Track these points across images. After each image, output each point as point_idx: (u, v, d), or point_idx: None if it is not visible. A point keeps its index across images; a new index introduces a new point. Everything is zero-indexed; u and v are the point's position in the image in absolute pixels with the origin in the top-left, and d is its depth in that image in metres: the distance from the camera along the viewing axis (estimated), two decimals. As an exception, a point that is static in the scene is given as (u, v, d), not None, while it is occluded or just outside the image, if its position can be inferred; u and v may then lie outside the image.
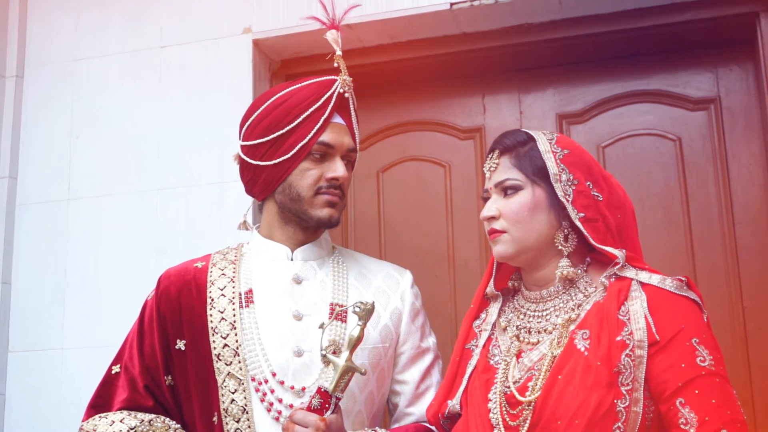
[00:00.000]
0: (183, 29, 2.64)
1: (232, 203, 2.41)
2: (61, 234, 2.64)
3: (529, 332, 1.55)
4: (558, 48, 2.54)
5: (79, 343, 2.56)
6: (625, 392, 1.39)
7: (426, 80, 2.71)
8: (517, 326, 1.58)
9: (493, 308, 1.66)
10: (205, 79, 2.59)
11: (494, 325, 1.63)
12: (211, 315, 1.71)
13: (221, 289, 1.74)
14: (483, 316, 1.68)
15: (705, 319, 1.46)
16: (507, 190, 1.56)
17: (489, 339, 1.62)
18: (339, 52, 1.79)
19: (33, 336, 2.60)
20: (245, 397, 1.64)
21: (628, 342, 1.41)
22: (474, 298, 1.69)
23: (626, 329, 1.43)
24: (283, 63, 2.67)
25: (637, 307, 1.45)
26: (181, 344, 1.70)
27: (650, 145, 2.51)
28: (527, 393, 1.46)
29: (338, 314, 1.70)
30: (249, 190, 1.84)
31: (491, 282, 1.66)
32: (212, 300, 1.73)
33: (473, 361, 1.60)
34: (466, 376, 1.59)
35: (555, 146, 1.56)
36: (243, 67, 2.56)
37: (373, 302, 1.56)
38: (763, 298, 2.36)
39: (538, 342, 1.52)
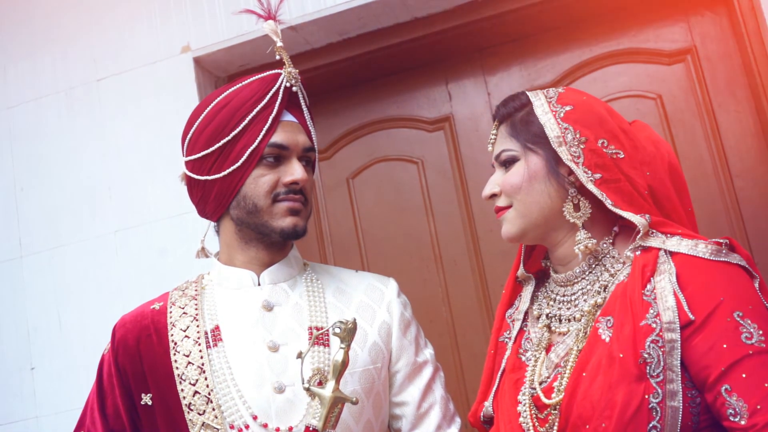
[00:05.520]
0: (117, 58, 2.45)
1: (197, 233, 2.19)
2: (18, 294, 2.42)
3: (560, 321, 1.36)
4: (518, 20, 2.36)
5: (53, 409, 2.33)
6: (656, 385, 1.17)
7: (384, 75, 2.54)
8: (547, 314, 1.39)
9: (526, 293, 1.48)
10: (148, 107, 2.40)
11: (527, 313, 1.46)
12: (175, 361, 1.50)
13: (184, 330, 1.53)
14: (516, 303, 1.50)
15: (755, 286, 1.22)
16: (505, 162, 1.40)
17: (521, 331, 1.44)
18: (280, 44, 1.56)
19: (2, 408, 2.37)
20: None
21: (654, 326, 1.19)
22: (506, 283, 1.53)
23: (652, 311, 1.20)
24: (229, 78, 2.49)
25: (665, 282, 1.22)
26: (146, 398, 1.49)
27: (630, 107, 2.30)
28: (553, 394, 1.27)
29: (317, 339, 1.48)
30: (201, 211, 1.61)
31: (522, 264, 1.49)
32: (175, 344, 1.51)
33: (506, 357, 1.44)
34: (499, 374, 1.43)
35: (555, 105, 1.37)
36: (187, 88, 2.37)
37: (354, 319, 1.34)
38: (774, 251, 2.15)
39: (567, 332, 1.34)
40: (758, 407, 1.12)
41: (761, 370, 1.14)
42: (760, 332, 1.16)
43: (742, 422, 1.12)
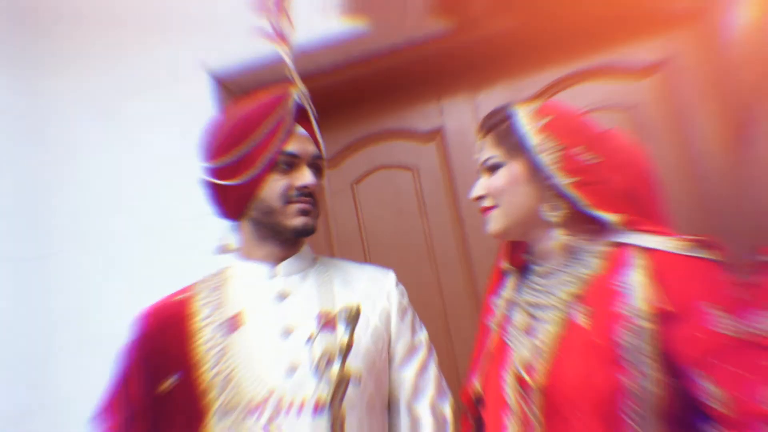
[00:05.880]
0: (138, 78, 2.45)
1: (217, 233, 2.11)
2: (42, 292, 2.35)
3: (539, 308, 1.41)
4: (502, 43, 2.41)
5: (74, 398, 2.29)
6: (632, 370, 1.21)
7: (384, 93, 2.60)
8: (527, 302, 1.44)
9: (510, 283, 1.53)
10: (171, 124, 2.40)
11: (511, 300, 1.51)
12: (197, 347, 1.56)
13: (206, 318, 1.61)
14: (501, 291, 1.56)
15: (728, 280, 1.24)
16: (491, 168, 1.46)
17: (506, 316, 1.48)
18: (291, 65, 1.66)
19: (21, 399, 2.31)
20: (242, 427, 1.50)
21: (626, 314, 1.24)
22: (492, 274, 1.58)
23: (624, 300, 1.25)
24: (246, 96, 2.52)
25: (639, 276, 1.26)
26: (167, 385, 1.55)
27: (605, 120, 2.35)
28: (534, 375, 1.32)
29: (326, 323, 1.57)
30: (220, 213, 1.71)
31: (506, 256, 1.55)
32: (197, 331, 1.58)
33: (493, 340, 1.48)
34: (487, 356, 1.47)
35: (535, 116, 1.42)
36: (206, 107, 2.36)
37: (359, 305, 1.43)
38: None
39: (546, 318, 1.38)
40: (735, 394, 1.13)
41: (736, 359, 1.15)
42: (734, 323, 1.17)
43: (719, 409, 1.15)
